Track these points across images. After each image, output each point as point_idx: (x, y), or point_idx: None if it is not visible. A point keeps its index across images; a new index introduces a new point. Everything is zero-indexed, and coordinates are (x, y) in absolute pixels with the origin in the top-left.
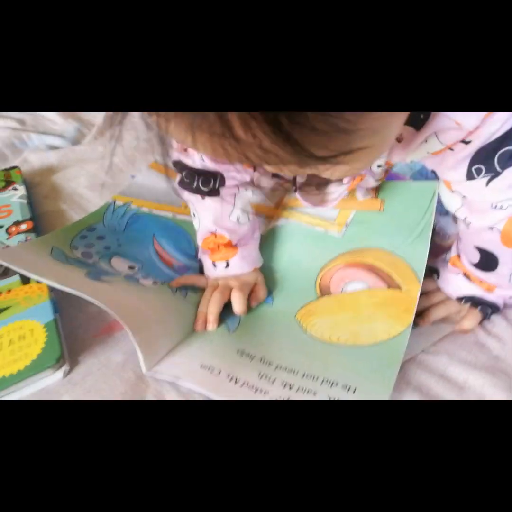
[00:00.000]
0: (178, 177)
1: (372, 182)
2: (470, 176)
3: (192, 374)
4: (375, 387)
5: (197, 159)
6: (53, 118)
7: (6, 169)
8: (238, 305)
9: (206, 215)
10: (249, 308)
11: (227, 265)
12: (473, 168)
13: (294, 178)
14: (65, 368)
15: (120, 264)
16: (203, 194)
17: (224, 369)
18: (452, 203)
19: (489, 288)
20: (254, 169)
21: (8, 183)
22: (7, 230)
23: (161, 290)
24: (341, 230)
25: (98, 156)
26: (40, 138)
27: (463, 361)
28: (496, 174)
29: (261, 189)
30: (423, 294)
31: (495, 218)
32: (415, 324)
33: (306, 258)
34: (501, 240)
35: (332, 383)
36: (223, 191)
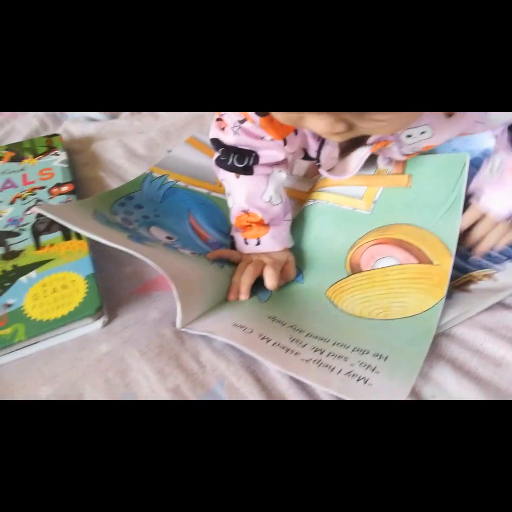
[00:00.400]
0: (215, 156)
1: (396, 153)
2: None
3: (225, 330)
4: (406, 358)
5: (232, 136)
6: None
7: (48, 136)
8: (270, 280)
9: (239, 193)
10: (278, 286)
11: (258, 243)
12: None
13: (319, 154)
14: (104, 318)
15: (158, 234)
16: (238, 171)
17: (255, 329)
18: None
19: None
20: (285, 144)
21: (50, 148)
22: (49, 190)
23: (200, 259)
24: (369, 207)
25: (135, 130)
26: None
27: (501, 337)
28: None
29: (292, 174)
30: (469, 229)
31: None
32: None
33: (335, 237)
34: None
35: (363, 351)
36: (257, 169)
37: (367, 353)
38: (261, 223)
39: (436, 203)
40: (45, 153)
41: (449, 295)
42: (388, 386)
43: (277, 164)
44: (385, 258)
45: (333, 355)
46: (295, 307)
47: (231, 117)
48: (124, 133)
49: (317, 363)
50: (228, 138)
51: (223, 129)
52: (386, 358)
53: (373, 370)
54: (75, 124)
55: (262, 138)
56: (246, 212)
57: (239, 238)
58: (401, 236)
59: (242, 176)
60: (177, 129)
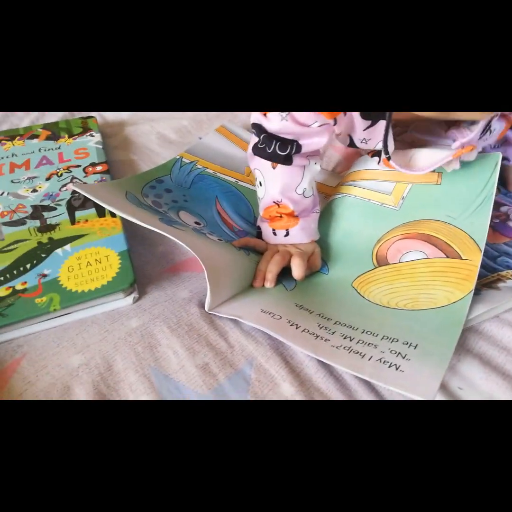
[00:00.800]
0: (252, 142)
1: (473, 155)
2: None
3: (253, 315)
4: (437, 346)
5: (279, 121)
6: None
7: (83, 118)
8: (297, 270)
9: (274, 184)
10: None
11: (287, 234)
12: None
13: (386, 146)
14: (135, 294)
15: (187, 218)
16: (279, 160)
17: (284, 315)
18: None
19: None
20: (335, 123)
21: (85, 130)
22: (84, 169)
23: (227, 245)
24: (398, 203)
25: (168, 117)
26: None
27: None
28: None
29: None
30: None
31: None
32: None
33: (362, 230)
34: None
35: (393, 339)
36: (296, 159)
37: (397, 341)
38: (291, 215)
39: (466, 201)
40: (80, 134)
41: (478, 292)
42: (420, 373)
43: (313, 155)
44: (412, 251)
45: (362, 342)
46: (321, 296)
47: None
48: (156, 120)
49: (348, 349)
50: (272, 125)
51: (265, 115)
52: (416, 346)
53: (404, 358)
54: None
55: (309, 125)
56: (277, 203)
57: (267, 228)
58: (429, 231)
59: (279, 166)
60: (210, 118)
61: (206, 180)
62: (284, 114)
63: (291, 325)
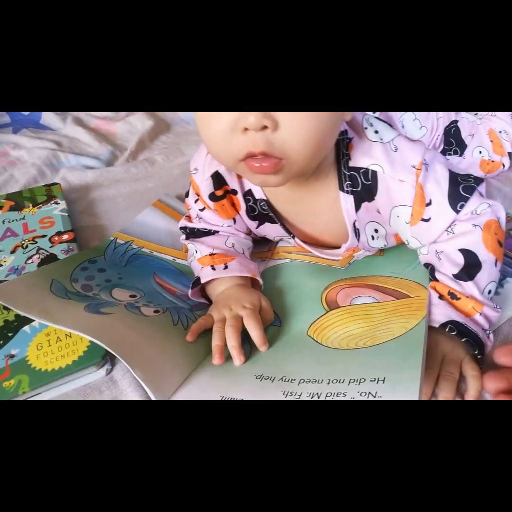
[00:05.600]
0: (182, 236)
1: (361, 255)
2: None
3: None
4: (404, 373)
5: (197, 223)
6: (89, 142)
7: (47, 185)
8: (256, 334)
9: (205, 243)
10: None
11: (226, 267)
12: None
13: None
14: (107, 366)
15: (121, 295)
16: (204, 234)
17: (246, 396)
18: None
19: (469, 312)
20: (235, 222)
21: (50, 197)
22: (50, 239)
23: (162, 320)
24: (345, 265)
25: (132, 177)
26: (77, 158)
27: None
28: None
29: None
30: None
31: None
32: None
33: (310, 281)
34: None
35: (360, 380)
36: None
37: (364, 381)
38: (227, 255)
39: (407, 261)
40: (45, 202)
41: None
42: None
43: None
44: (361, 297)
45: (331, 395)
46: (278, 354)
47: (194, 209)
48: (121, 180)
49: None
50: (193, 225)
51: (189, 219)
52: (383, 380)
53: (374, 397)
54: (72, 172)
55: (221, 226)
56: (212, 254)
57: (204, 270)
58: (376, 283)
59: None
60: (176, 178)
61: (142, 259)
62: (198, 218)
63: None
